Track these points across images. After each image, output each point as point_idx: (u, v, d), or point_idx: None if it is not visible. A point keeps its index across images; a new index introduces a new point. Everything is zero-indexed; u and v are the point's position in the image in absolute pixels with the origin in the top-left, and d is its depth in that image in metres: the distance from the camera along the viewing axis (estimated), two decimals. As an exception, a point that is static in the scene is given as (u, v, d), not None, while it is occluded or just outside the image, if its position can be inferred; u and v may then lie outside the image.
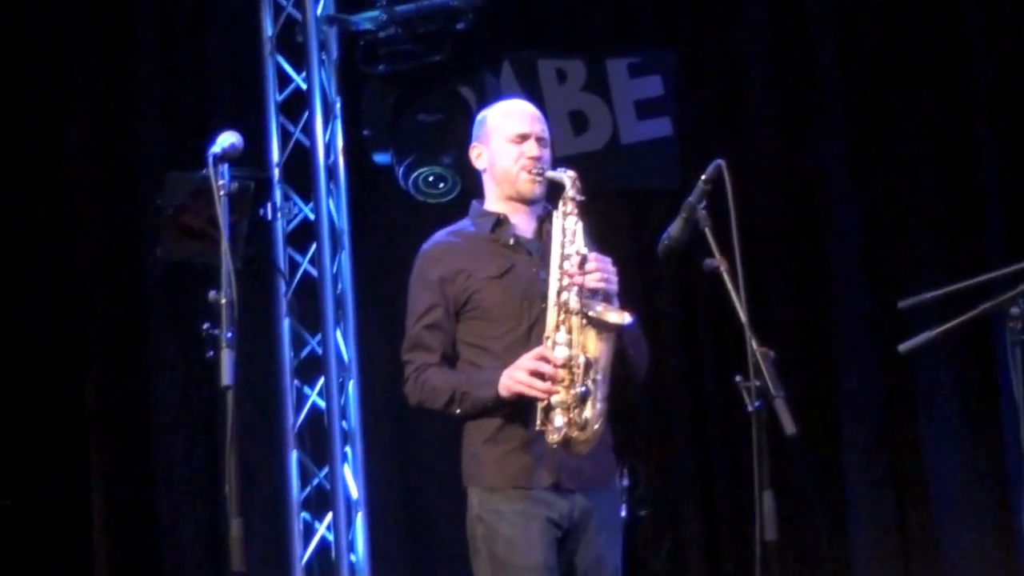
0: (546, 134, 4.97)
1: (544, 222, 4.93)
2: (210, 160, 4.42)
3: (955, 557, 7.39)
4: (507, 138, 4.92)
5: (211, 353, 4.22)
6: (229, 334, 4.22)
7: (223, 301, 4.25)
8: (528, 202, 4.92)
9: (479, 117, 5.09)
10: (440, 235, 5.00)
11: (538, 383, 4.60)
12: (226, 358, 4.19)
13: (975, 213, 7.52)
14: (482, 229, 4.93)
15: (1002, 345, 4.78)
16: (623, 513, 5.21)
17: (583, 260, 4.69)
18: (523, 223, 4.94)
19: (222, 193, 4.39)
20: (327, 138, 7.70)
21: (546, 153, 4.93)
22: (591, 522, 4.76)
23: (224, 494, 4.27)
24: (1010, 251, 7.00)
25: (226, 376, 4.18)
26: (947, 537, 7.42)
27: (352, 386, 7.61)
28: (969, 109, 7.58)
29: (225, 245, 4.29)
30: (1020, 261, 4.89)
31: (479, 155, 5.00)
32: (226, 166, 4.43)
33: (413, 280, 4.93)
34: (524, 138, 4.91)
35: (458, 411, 4.76)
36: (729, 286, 4.43)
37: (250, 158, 7.35)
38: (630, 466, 6.52)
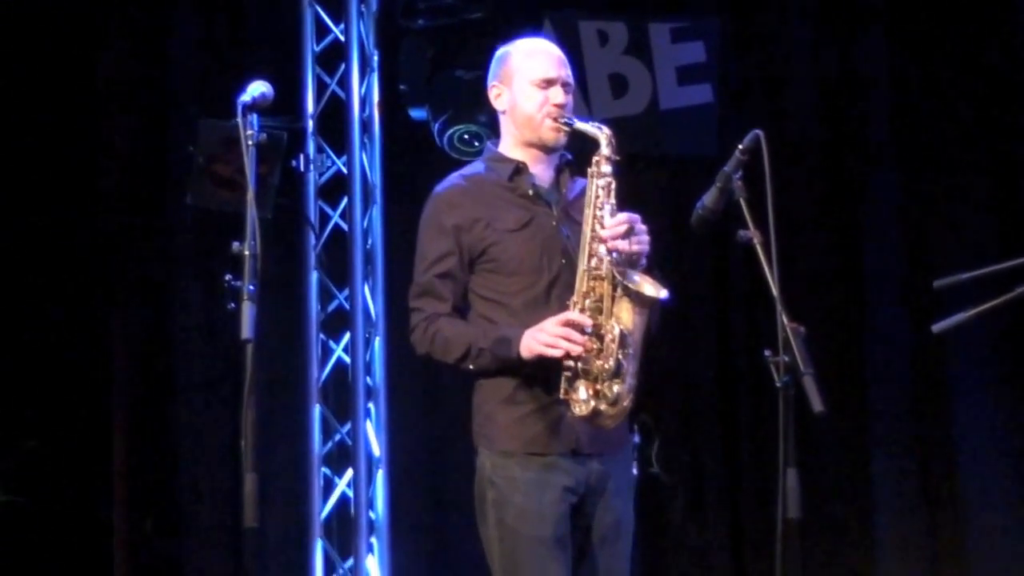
0: (571, 79, 4.74)
1: (562, 171, 4.75)
2: (239, 109, 4.34)
3: (982, 539, 7.31)
4: (531, 81, 4.68)
5: (232, 305, 4.16)
6: (251, 287, 4.14)
7: (246, 253, 4.18)
8: (549, 150, 4.72)
9: (499, 53, 4.82)
10: (454, 178, 4.77)
11: (563, 343, 4.41)
12: (247, 311, 4.11)
13: (1017, 191, 7.42)
14: (499, 176, 4.71)
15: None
16: (634, 471, 5.08)
17: (628, 230, 4.50)
18: (541, 171, 4.73)
19: (250, 143, 4.31)
20: (363, 91, 7.63)
21: (571, 100, 4.72)
22: (608, 485, 4.63)
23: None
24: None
25: (246, 329, 4.11)
26: (974, 518, 7.35)
27: (378, 342, 7.57)
28: (1015, 83, 7.46)
29: (251, 196, 4.21)
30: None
31: (498, 95, 4.76)
32: (255, 116, 4.34)
33: (425, 223, 4.72)
34: (550, 83, 4.68)
35: (471, 367, 4.58)
36: (762, 259, 4.34)
37: (284, 108, 7.35)
38: (640, 423, 6.41)
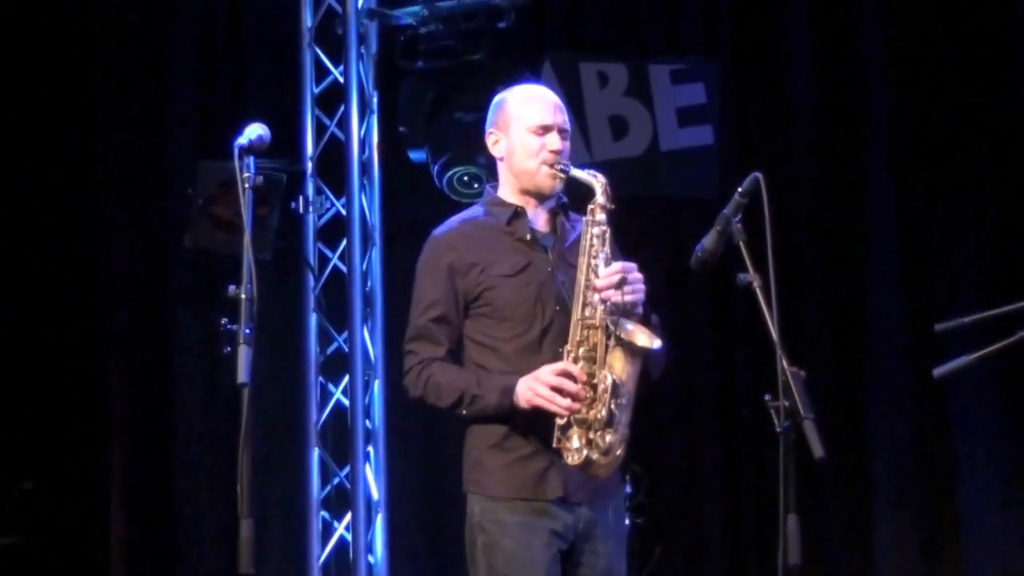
0: (568, 125, 4.73)
1: (558, 215, 4.73)
2: (235, 152, 4.33)
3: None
4: (528, 128, 4.67)
5: (228, 349, 4.13)
6: (247, 330, 4.11)
7: (243, 296, 4.15)
8: (545, 197, 4.71)
9: (496, 100, 4.80)
10: (453, 222, 4.77)
11: (560, 400, 4.42)
12: (243, 355, 4.09)
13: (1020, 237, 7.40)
14: (498, 220, 4.70)
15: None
16: (627, 521, 5.04)
17: (621, 281, 4.49)
18: (538, 216, 4.71)
19: (247, 186, 4.29)
20: (362, 133, 7.62)
21: (567, 145, 4.70)
22: (597, 532, 4.60)
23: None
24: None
25: (242, 373, 4.08)
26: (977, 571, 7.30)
27: (377, 385, 7.54)
28: (1018, 120, 7.45)
29: (247, 239, 4.19)
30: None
31: (496, 142, 4.75)
32: (252, 158, 4.33)
33: (421, 267, 4.71)
34: (547, 129, 4.66)
35: (464, 413, 4.57)
36: (761, 302, 4.31)
37: (284, 150, 7.34)
38: (632, 473, 6.38)
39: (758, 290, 4.33)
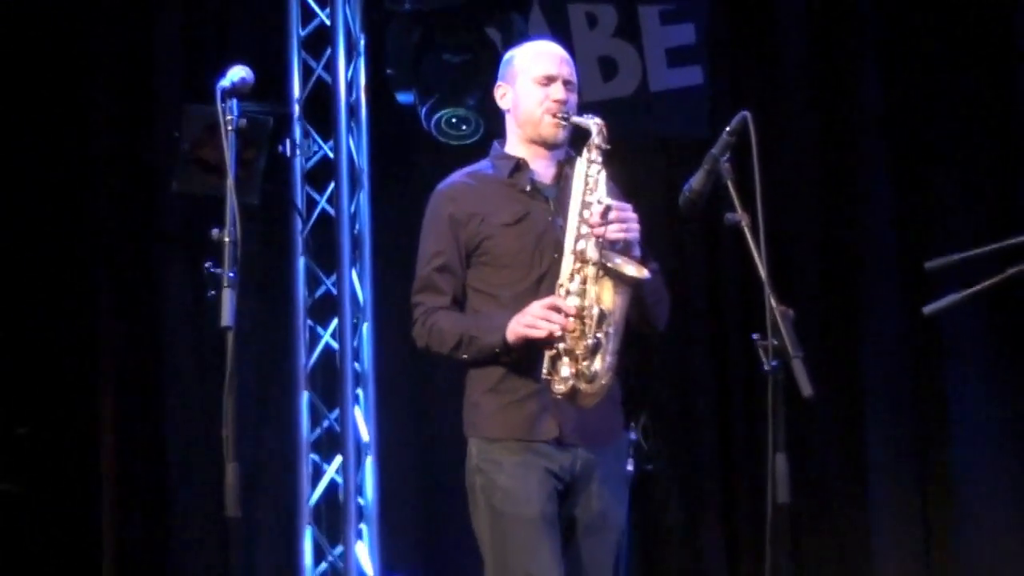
0: (574, 78, 4.85)
1: (564, 167, 4.82)
2: (218, 94, 4.32)
3: (977, 527, 7.27)
4: (533, 79, 4.80)
5: (212, 293, 4.12)
6: (231, 274, 4.14)
7: (226, 239, 4.15)
8: (550, 146, 4.82)
9: (506, 56, 4.96)
10: (457, 176, 4.89)
11: (543, 323, 4.48)
12: (227, 298, 4.11)
13: (1012, 173, 7.37)
14: (500, 172, 4.82)
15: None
16: (630, 467, 5.06)
17: (605, 210, 4.57)
18: (543, 168, 4.83)
19: (230, 129, 4.30)
20: (349, 75, 7.59)
21: (572, 97, 4.81)
22: (594, 475, 4.67)
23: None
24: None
25: (226, 317, 4.10)
26: (968, 505, 7.30)
27: (366, 328, 7.53)
28: (1009, 68, 7.41)
29: (230, 183, 4.21)
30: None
31: (504, 95, 4.90)
32: (235, 101, 4.33)
33: (426, 220, 4.83)
34: (551, 80, 4.79)
35: (464, 356, 4.66)
36: (750, 241, 4.30)
37: (271, 94, 7.29)
38: (640, 421, 6.38)
39: (746, 229, 4.32)
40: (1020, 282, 4.79)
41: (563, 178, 4.79)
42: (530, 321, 4.50)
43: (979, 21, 7.45)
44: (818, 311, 7.40)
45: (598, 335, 4.50)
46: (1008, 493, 7.31)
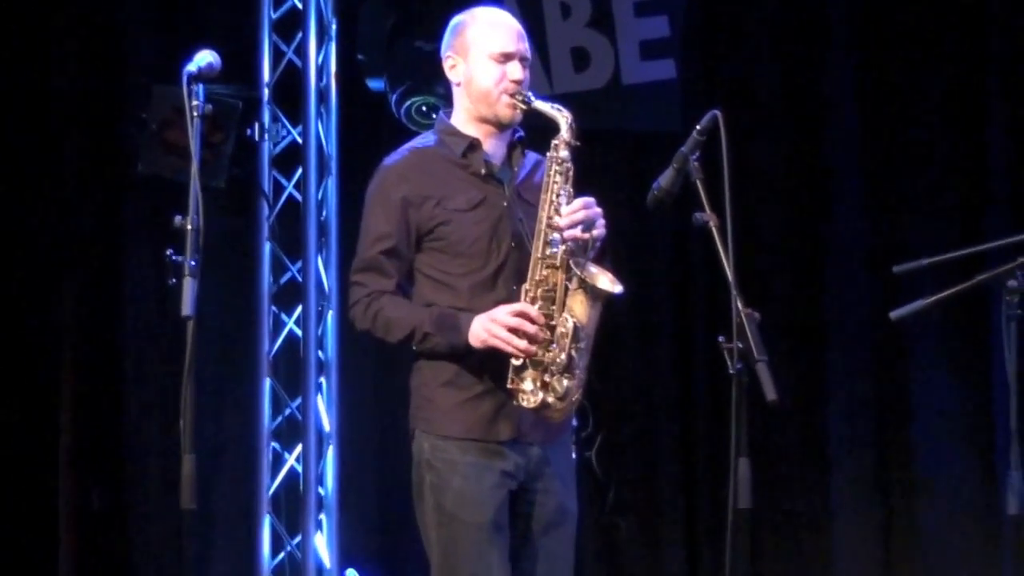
0: (529, 53, 4.63)
1: (515, 148, 4.65)
2: (184, 79, 4.27)
3: (938, 529, 7.27)
4: (489, 55, 4.58)
5: (173, 281, 4.07)
6: (193, 262, 4.09)
7: (188, 227, 4.10)
8: (503, 127, 4.61)
9: (455, 22, 4.71)
10: (404, 151, 4.68)
11: (517, 342, 4.36)
12: (187, 287, 4.06)
13: (983, 174, 7.35)
14: (451, 151, 4.61)
15: (997, 317, 4.66)
16: (573, 456, 5.02)
17: (579, 212, 4.43)
18: (493, 148, 4.62)
19: (195, 115, 4.25)
20: (320, 60, 7.53)
21: (527, 75, 4.61)
22: (547, 470, 4.57)
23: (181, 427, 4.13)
24: (1015, 223, 6.82)
25: (187, 306, 4.05)
26: (930, 510, 7.30)
27: (331, 316, 7.49)
28: (980, 68, 7.39)
29: (194, 169, 4.17)
30: (1020, 232, 4.76)
31: (453, 66, 4.66)
32: (201, 86, 4.28)
33: (372, 196, 4.62)
34: (508, 58, 4.57)
35: (414, 347, 4.51)
36: (717, 242, 4.26)
37: (240, 76, 7.23)
38: (596, 444, 6.34)
39: (714, 229, 4.28)
40: (984, 287, 4.79)
41: (515, 159, 4.63)
42: (500, 333, 4.36)
43: (952, 10, 7.44)
44: (785, 312, 7.37)
45: (571, 351, 4.40)
46: (969, 495, 7.31)
